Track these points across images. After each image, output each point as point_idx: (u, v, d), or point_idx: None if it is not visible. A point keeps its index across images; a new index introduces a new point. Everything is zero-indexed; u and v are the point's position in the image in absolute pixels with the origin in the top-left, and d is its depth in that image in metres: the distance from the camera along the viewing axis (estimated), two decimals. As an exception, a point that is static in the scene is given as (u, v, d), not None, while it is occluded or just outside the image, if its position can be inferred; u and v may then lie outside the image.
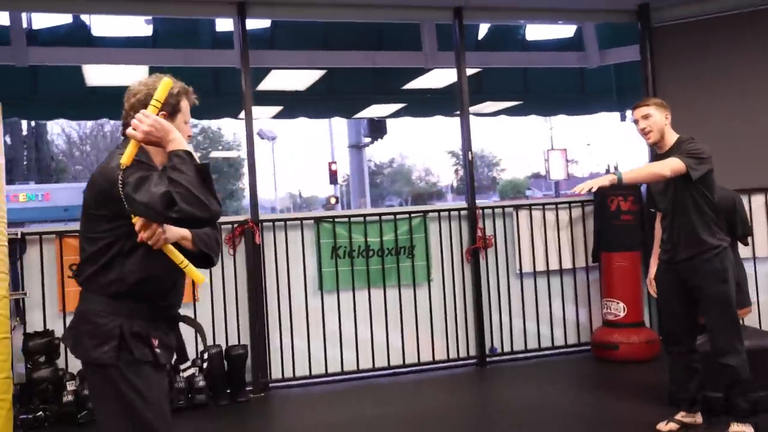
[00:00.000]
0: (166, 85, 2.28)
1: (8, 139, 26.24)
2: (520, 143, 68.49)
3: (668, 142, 4.01)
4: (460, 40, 6.19)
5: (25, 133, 30.53)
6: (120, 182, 2.18)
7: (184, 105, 2.43)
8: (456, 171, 49.96)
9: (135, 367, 2.31)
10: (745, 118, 6.11)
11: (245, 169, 6.90)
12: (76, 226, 5.43)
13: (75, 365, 5.09)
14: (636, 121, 4.04)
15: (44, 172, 31.23)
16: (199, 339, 2.66)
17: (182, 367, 2.63)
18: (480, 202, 6.21)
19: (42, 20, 7.10)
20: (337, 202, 25.27)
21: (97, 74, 7.27)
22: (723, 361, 3.85)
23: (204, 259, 2.45)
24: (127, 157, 2.20)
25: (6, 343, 4.26)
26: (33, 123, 29.60)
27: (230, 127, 45.46)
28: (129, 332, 2.31)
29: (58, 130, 36.66)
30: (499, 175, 45.81)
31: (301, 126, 78.51)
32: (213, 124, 38.25)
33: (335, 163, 26.31)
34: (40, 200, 24.44)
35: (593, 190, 3.63)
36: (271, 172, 34.29)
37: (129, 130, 2.22)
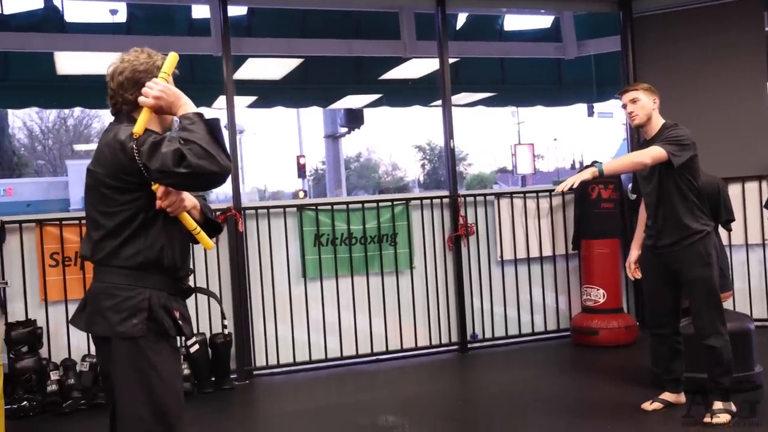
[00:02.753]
0: (173, 58, 2.36)
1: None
2: (487, 138, 68.73)
3: (654, 127, 4.04)
4: (442, 29, 6.21)
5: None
6: (136, 152, 2.19)
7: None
8: (423, 165, 50.09)
9: (157, 344, 2.31)
10: (723, 109, 6.19)
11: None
12: (54, 215, 5.32)
13: (58, 355, 5.02)
14: (624, 105, 4.07)
15: (6, 166, 30.52)
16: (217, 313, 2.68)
17: (189, 342, 2.64)
18: (461, 190, 6.25)
19: (13, 5, 6.92)
20: (305, 196, 25.15)
21: (70, 61, 7.11)
22: (706, 343, 3.93)
23: (211, 227, 2.52)
24: (139, 126, 2.24)
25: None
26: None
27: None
28: (158, 304, 2.32)
29: (20, 123, 35.85)
30: (466, 170, 46.05)
31: (270, 118, 77.91)
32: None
33: (303, 156, 26.18)
34: (1, 195, 23.94)
35: (575, 185, 3.69)
36: (239, 166, 33.95)
37: (140, 98, 2.28)
